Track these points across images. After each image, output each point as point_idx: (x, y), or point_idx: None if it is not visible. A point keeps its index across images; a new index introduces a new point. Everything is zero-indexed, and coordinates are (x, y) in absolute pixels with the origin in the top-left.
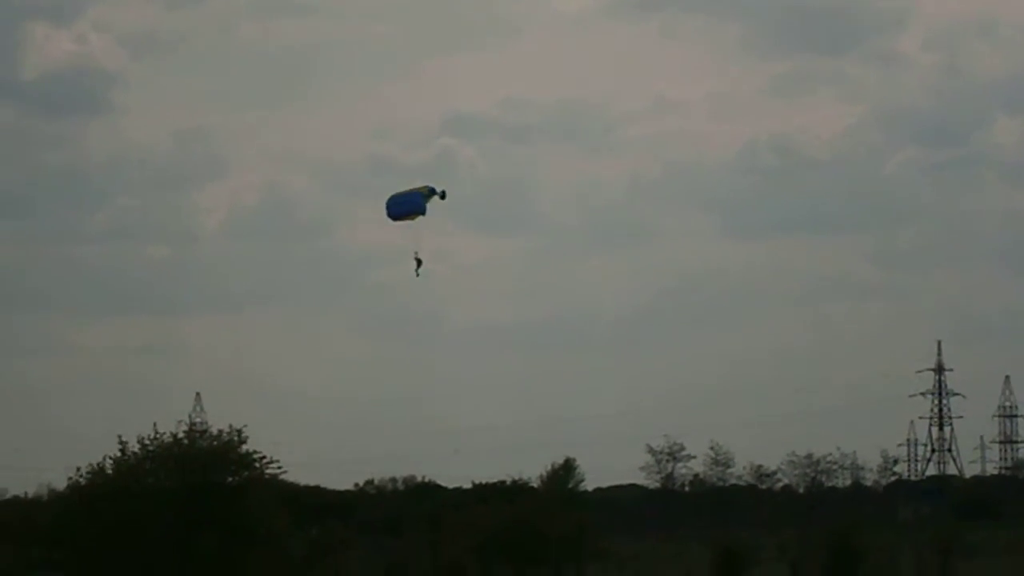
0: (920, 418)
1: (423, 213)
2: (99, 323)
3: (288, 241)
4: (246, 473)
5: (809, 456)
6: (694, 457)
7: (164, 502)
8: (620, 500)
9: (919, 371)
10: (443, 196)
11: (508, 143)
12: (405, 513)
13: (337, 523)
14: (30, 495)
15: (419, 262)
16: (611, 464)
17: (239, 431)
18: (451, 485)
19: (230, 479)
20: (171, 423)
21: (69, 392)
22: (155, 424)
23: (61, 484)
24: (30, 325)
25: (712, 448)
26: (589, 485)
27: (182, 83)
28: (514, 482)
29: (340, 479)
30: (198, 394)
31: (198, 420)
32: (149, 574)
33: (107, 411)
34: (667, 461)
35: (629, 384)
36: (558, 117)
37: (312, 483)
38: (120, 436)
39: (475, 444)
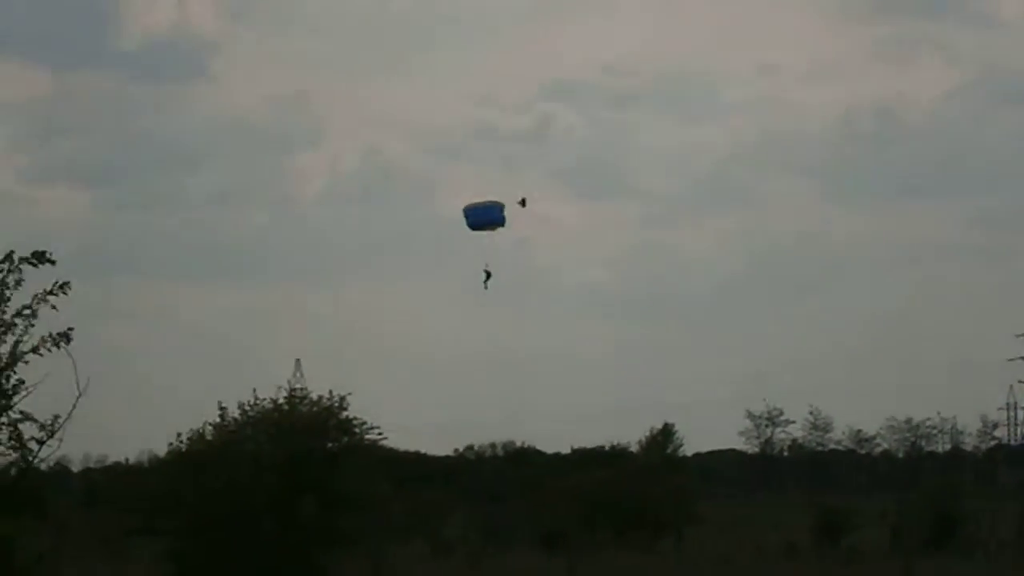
0: (1020, 382)
1: (503, 224)
2: (199, 290)
3: (389, 206)
4: (346, 439)
5: (908, 421)
6: (793, 422)
7: (264, 468)
8: (719, 465)
9: (1019, 335)
10: (523, 204)
11: (609, 109)
12: (505, 479)
13: (437, 489)
14: (131, 461)
15: (488, 274)
16: (710, 429)
17: (340, 397)
18: (550, 450)
19: (330, 445)
20: (271, 389)
21: (170, 359)
22: (254, 390)
23: (162, 450)
24: (131, 292)
25: (811, 413)
26: (688, 450)
27: (282, 49)
28: (613, 447)
29: (440, 445)
30: (298, 360)
31: (298, 386)
32: (249, 540)
33: (208, 377)
34: (766, 426)
35: (729, 349)
36: (659, 83)
37: (412, 449)
38: (220, 402)
39: (575, 409)
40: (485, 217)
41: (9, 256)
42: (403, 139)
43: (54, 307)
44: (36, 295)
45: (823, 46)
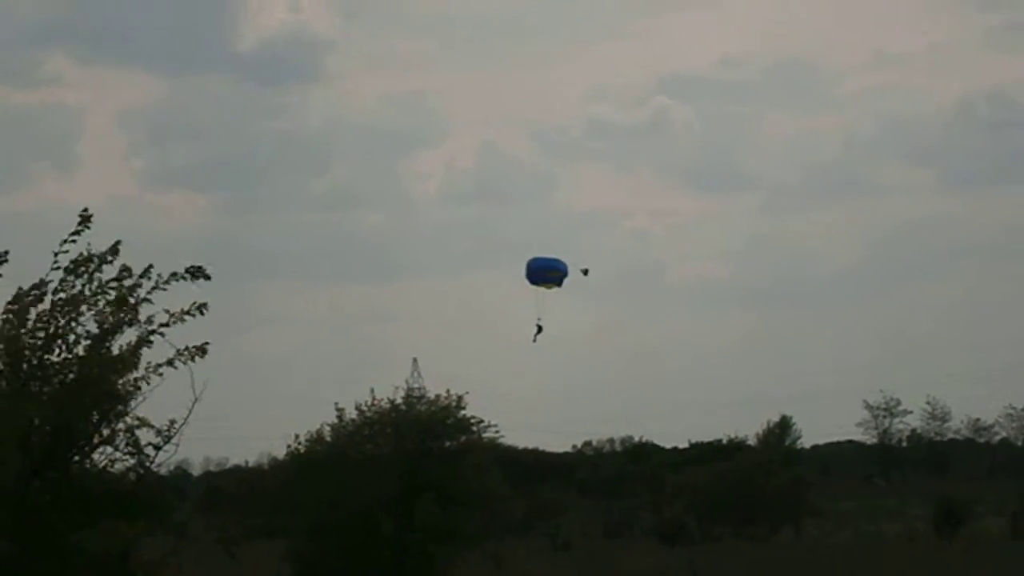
0: None
1: (559, 285)
2: (317, 290)
3: (505, 204)
4: (463, 437)
5: None
6: (911, 412)
7: (382, 468)
8: (837, 456)
9: None
10: (586, 273)
11: (724, 101)
12: (623, 474)
13: (556, 485)
14: (251, 463)
15: (539, 328)
16: (828, 420)
17: (457, 396)
18: (668, 445)
19: (448, 444)
20: (389, 389)
21: (288, 360)
22: (372, 390)
23: (281, 453)
24: (250, 293)
25: (929, 402)
26: (806, 442)
27: (396, 48)
28: (731, 441)
29: (558, 441)
30: (415, 359)
31: (416, 385)
32: (368, 539)
33: (326, 378)
34: (884, 416)
35: (845, 340)
36: (774, 74)
37: (531, 446)
38: (337, 403)
39: (693, 402)
40: (550, 273)
41: (147, 271)
42: (519, 136)
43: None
44: (173, 314)
45: (938, 33)
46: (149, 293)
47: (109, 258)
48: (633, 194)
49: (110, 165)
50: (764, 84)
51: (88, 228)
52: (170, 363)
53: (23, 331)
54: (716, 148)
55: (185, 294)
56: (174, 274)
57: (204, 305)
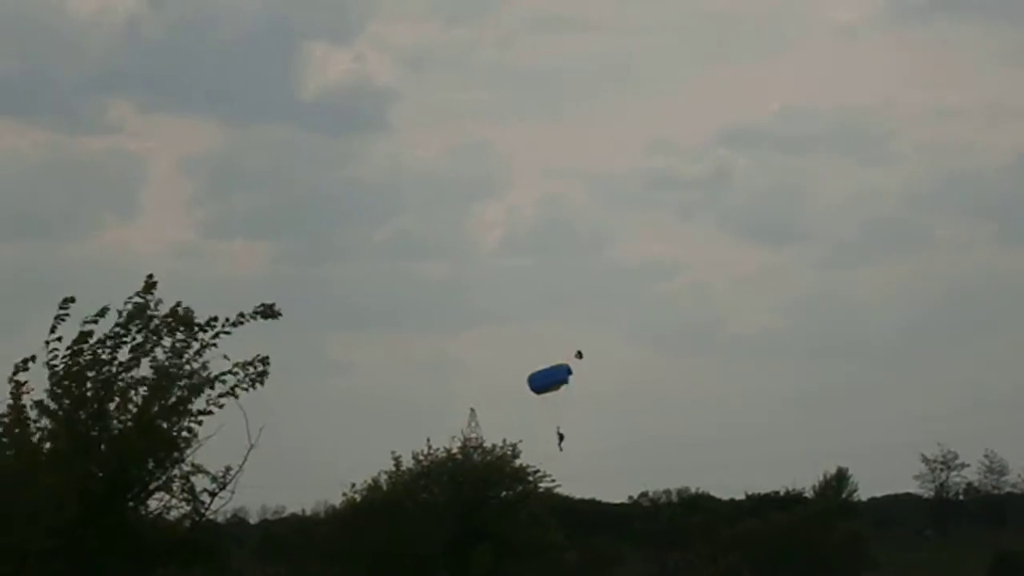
0: None
1: (566, 382)
2: (378, 339)
3: (566, 255)
4: (520, 487)
5: None
6: (968, 465)
7: (439, 517)
8: (894, 510)
9: None
10: (580, 356)
11: (784, 153)
12: (679, 525)
13: (612, 536)
14: (307, 512)
15: (561, 436)
16: (884, 474)
17: (513, 445)
18: (725, 496)
19: (504, 493)
20: (446, 439)
21: (347, 408)
22: (428, 439)
23: (338, 500)
24: (308, 344)
25: (987, 456)
26: (863, 495)
27: (459, 99)
28: (788, 493)
29: (614, 492)
30: (472, 409)
31: (473, 435)
32: None
33: (385, 427)
34: (941, 470)
35: (904, 393)
36: (834, 127)
37: (587, 496)
38: (394, 451)
39: (749, 454)
40: (552, 378)
41: (210, 321)
42: (581, 187)
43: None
44: (236, 364)
45: (999, 87)
46: (214, 338)
47: (170, 320)
48: (693, 246)
49: (172, 212)
50: (824, 136)
51: (152, 294)
52: (231, 392)
53: (85, 380)
54: (776, 201)
55: (246, 340)
56: (241, 314)
57: (267, 359)
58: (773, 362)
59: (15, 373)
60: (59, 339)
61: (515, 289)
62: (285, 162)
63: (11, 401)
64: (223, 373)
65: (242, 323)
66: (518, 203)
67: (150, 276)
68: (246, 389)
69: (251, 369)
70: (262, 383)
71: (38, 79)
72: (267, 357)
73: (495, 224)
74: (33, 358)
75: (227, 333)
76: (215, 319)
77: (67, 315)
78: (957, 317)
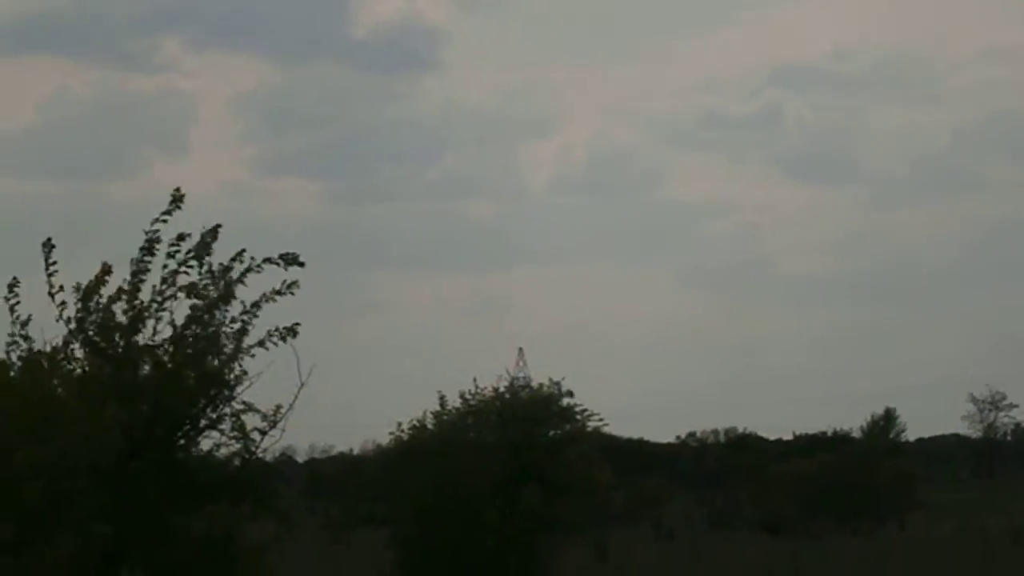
0: None
1: None
2: (426, 278)
3: (617, 195)
4: (567, 426)
5: None
6: (1016, 406)
7: (485, 456)
8: (942, 450)
9: None
10: None
11: (835, 93)
12: (726, 465)
13: (659, 476)
14: (355, 451)
15: None
16: (932, 414)
17: (560, 384)
18: (772, 436)
19: (551, 432)
20: (493, 378)
21: (394, 348)
22: (475, 379)
23: (385, 440)
24: (358, 283)
25: None
26: (910, 435)
27: (510, 38)
28: (835, 433)
29: (662, 432)
30: (520, 348)
31: (520, 375)
32: (471, 527)
33: (433, 366)
34: (989, 410)
35: (952, 333)
36: (885, 67)
37: (634, 436)
38: (440, 391)
39: (797, 393)
40: None
41: (239, 254)
42: (631, 126)
43: (274, 299)
44: (264, 294)
45: None
46: (243, 276)
47: (209, 239)
48: (743, 186)
49: (222, 151)
50: (874, 76)
51: (179, 208)
52: (261, 344)
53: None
54: (827, 140)
55: (299, 280)
56: (267, 259)
57: (295, 284)
58: (822, 301)
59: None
60: (61, 289)
61: (565, 229)
62: (336, 100)
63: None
64: (255, 305)
65: (260, 271)
66: (568, 142)
67: (177, 190)
68: (276, 344)
69: (279, 296)
70: (293, 336)
71: (89, 17)
72: (295, 282)
73: (545, 163)
74: (17, 280)
75: (257, 271)
76: (243, 252)
77: (55, 263)
78: (1007, 256)
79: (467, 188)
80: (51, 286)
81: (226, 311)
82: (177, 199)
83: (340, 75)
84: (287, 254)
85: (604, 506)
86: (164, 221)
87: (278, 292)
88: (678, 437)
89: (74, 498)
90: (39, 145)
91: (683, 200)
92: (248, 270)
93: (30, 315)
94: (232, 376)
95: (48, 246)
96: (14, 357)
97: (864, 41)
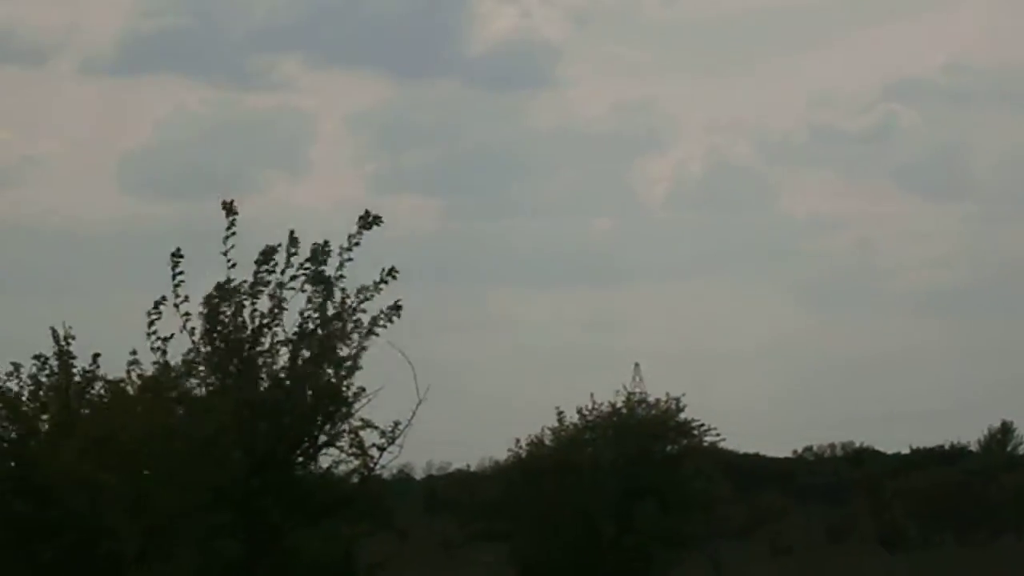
0: None
1: None
2: (542, 295)
3: (731, 210)
4: (684, 441)
5: None
6: None
7: (603, 472)
8: None
9: None
10: None
11: (949, 108)
12: (843, 479)
13: (776, 490)
14: (472, 468)
15: None
16: None
17: (677, 400)
18: (890, 451)
19: (668, 448)
20: (610, 394)
21: (511, 364)
22: (592, 395)
23: (502, 456)
24: (474, 299)
25: None
26: None
27: (624, 54)
28: (952, 446)
29: (779, 446)
30: (637, 364)
31: (637, 391)
32: (589, 543)
33: (548, 383)
34: None
35: None
36: (1000, 81)
37: (751, 451)
38: (558, 407)
39: (914, 407)
40: None
41: (342, 263)
42: (745, 142)
43: (387, 323)
44: (374, 317)
45: None
46: (360, 301)
47: (323, 259)
48: (857, 201)
49: (340, 169)
50: (989, 91)
51: (235, 214)
52: (371, 330)
53: (229, 324)
54: (939, 155)
55: (415, 294)
56: (376, 282)
57: (393, 269)
58: (936, 315)
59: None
60: (185, 299)
61: (679, 244)
62: (452, 117)
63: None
64: (374, 320)
65: (371, 297)
66: (683, 158)
67: (231, 202)
68: (384, 326)
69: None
70: (398, 316)
71: (207, 35)
72: (399, 301)
73: (660, 179)
74: (164, 299)
75: (361, 307)
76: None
77: (181, 273)
78: None
79: (582, 204)
80: (177, 296)
81: (338, 326)
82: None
83: (456, 92)
84: (389, 270)
85: (721, 521)
86: (295, 255)
87: (388, 317)
88: (795, 452)
89: (196, 515)
90: (157, 164)
91: (797, 215)
92: (365, 299)
93: (171, 334)
94: (350, 392)
95: (177, 256)
96: (134, 376)
97: (979, 55)
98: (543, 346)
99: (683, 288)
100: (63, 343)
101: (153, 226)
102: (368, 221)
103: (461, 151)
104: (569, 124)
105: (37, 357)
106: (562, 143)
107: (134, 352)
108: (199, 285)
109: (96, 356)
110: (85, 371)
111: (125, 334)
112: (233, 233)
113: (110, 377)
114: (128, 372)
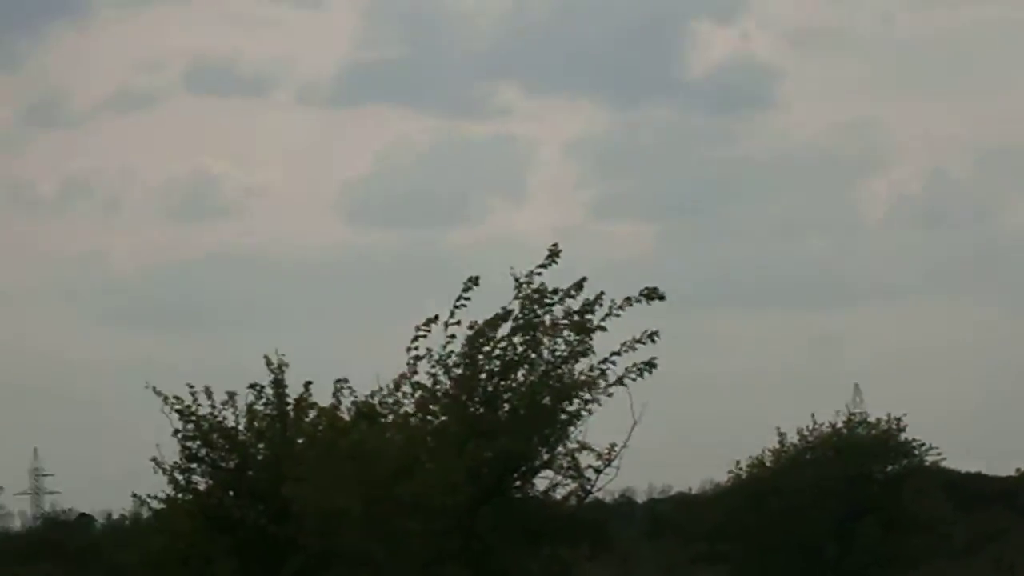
0: None
1: None
2: (762, 316)
3: (951, 228)
4: (905, 461)
5: None
6: None
7: (824, 492)
8: None
9: None
10: None
11: None
12: None
13: (999, 510)
14: (694, 491)
15: None
16: None
17: (898, 419)
18: None
19: (889, 467)
20: (830, 414)
21: (730, 384)
22: (812, 415)
23: (723, 479)
24: (692, 322)
25: None
26: None
27: (843, 74)
28: None
29: (1002, 464)
30: (856, 385)
31: (857, 411)
32: (810, 564)
33: (768, 403)
34: None
35: None
36: None
37: (973, 470)
38: (779, 427)
39: None
40: None
41: (599, 297)
42: (967, 159)
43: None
44: (625, 342)
45: None
46: (603, 320)
47: (573, 293)
48: None
49: (559, 195)
50: None
51: (556, 263)
52: (620, 381)
53: (479, 357)
54: None
55: (635, 321)
56: (628, 299)
57: (655, 333)
58: None
59: (414, 346)
60: (457, 323)
61: (899, 263)
62: (670, 141)
63: (405, 384)
64: (615, 354)
65: (620, 312)
66: (903, 177)
67: (555, 245)
68: (634, 379)
69: (640, 344)
70: (651, 371)
71: (426, 65)
72: (656, 332)
73: (879, 198)
74: (436, 318)
75: (616, 315)
76: (603, 294)
77: (468, 298)
78: None
79: (803, 225)
80: (452, 315)
81: (580, 351)
82: (554, 253)
83: (674, 116)
84: (648, 289)
85: (943, 541)
86: (539, 273)
87: (639, 341)
88: (1018, 470)
89: (432, 540)
90: (377, 192)
91: (1019, 231)
92: (608, 314)
93: (451, 351)
94: (571, 416)
95: (472, 282)
96: (376, 400)
97: None
98: (763, 367)
99: (903, 306)
100: (277, 371)
101: (374, 254)
102: (554, 255)
103: (679, 175)
104: (788, 145)
105: (252, 386)
106: (781, 164)
107: (345, 380)
108: (422, 310)
109: (308, 384)
110: (299, 399)
111: (340, 360)
112: (539, 273)
113: (322, 404)
114: (335, 396)
